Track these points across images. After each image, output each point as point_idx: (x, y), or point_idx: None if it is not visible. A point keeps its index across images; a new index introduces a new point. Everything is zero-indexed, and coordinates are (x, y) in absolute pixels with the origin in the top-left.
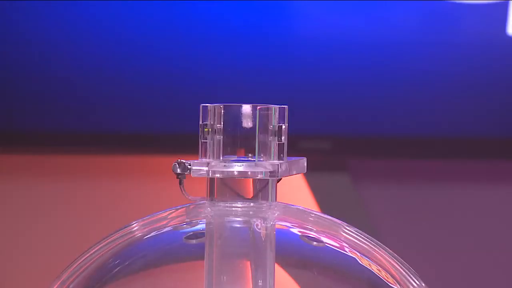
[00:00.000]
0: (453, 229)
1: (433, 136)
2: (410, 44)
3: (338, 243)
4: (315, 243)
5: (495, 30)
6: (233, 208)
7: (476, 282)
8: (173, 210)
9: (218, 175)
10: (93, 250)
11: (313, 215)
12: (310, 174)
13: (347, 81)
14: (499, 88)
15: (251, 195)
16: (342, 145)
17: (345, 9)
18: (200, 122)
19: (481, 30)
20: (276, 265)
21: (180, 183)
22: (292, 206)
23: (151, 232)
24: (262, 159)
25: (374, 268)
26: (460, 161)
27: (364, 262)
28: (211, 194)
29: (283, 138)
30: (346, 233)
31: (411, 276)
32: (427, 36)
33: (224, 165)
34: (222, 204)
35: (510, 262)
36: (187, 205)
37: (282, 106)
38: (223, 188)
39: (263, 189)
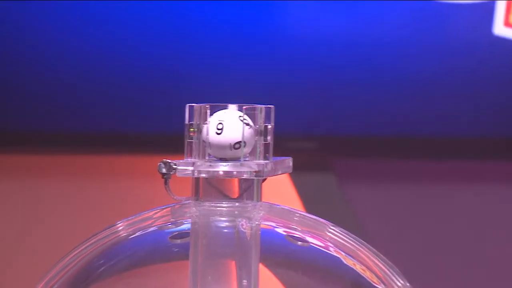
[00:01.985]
0: (439, 229)
1: (419, 136)
2: (398, 44)
3: (323, 243)
4: (300, 243)
5: (482, 29)
6: (218, 208)
7: (462, 282)
8: (158, 210)
9: (203, 175)
10: (78, 250)
11: (298, 215)
12: (296, 174)
13: (334, 81)
14: (486, 87)
15: (236, 194)
16: (328, 145)
17: (332, 8)
18: (186, 122)
19: (468, 29)
20: (260, 264)
21: (166, 183)
22: (277, 206)
23: (136, 232)
24: (248, 159)
25: (359, 267)
26: (447, 161)
27: (349, 262)
28: (196, 194)
29: (269, 138)
30: (331, 233)
31: (396, 275)
32: (414, 36)
33: (210, 165)
34: (207, 204)
35: (496, 263)
36: (173, 204)
37: (268, 106)
38: (209, 188)
39: (248, 189)
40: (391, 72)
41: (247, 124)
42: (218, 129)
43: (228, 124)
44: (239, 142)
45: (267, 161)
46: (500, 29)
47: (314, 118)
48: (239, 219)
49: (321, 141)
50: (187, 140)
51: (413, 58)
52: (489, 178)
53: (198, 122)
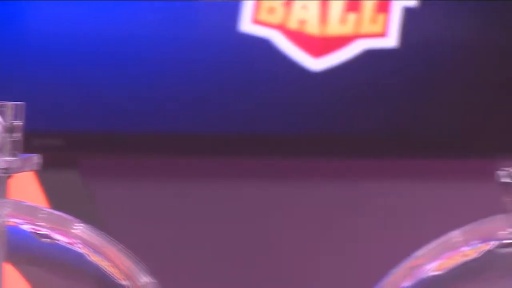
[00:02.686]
0: (189, 227)
1: (172, 132)
2: (144, 40)
3: (69, 240)
4: (46, 239)
5: (228, 26)
6: None
7: (208, 279)
8: None
9: None
10: None
11: (44, 212)
12: (41, 171)
13: (83, 76)
14: (233, 84)
15: None
16: (74, 143)
17: (89, 5)
18: None
19: (214, 25)
20: (6, 262)
21: None
22: (23, 203)
23: None
24: None
25: (104, 264)
26: (210, 158)
27: (94, 258)
28: None
29: (17, 135)
30: (76, 229)
31: (141, 272)
32: (160, 31)
33: None
34: None
35: (280, 259)
36: None
37: (19, 103)
38: None
39: None
40: (141, 68)
41: None
42: None
43: None
44: None
45: (14, 158)
46: (247, 26)
47: (60, 116)
48: None
49: (67, 139)
50: None
51: (163, 54)
52: (268, 175)
53: None
